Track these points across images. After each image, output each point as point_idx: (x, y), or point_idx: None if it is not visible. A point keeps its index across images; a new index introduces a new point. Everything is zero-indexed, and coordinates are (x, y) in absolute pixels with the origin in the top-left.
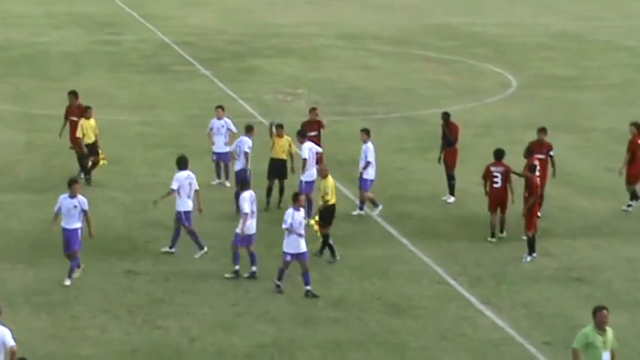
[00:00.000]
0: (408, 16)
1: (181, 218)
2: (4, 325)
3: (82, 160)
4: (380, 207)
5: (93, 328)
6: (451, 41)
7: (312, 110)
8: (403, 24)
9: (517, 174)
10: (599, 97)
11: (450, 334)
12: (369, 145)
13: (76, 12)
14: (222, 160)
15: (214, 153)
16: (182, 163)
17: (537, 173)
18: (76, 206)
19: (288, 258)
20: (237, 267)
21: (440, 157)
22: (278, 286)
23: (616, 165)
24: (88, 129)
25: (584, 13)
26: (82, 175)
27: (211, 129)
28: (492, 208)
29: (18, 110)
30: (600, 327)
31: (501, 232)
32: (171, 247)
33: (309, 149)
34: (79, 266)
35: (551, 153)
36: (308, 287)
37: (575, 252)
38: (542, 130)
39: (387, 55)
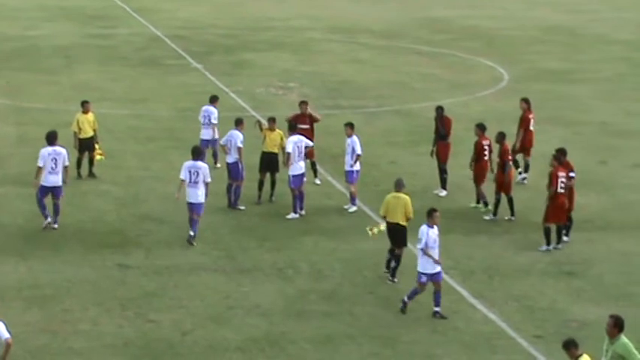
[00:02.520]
0: (400, 9)
1: (40, 191)
2: None
3: None
4: (356, 207)
5: (85, 321)
6: (443, 34)
7: (302, 103)
8: (395, 17)
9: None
10: (591, 91)
11: (441, 328)
12: (355, 138)
13: (68, 5)
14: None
15: (210, 141)
16: (49, 139)
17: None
18: None
19: (424, 279)
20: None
21: (432, 151)
22: (405, 304)
23: (608, 158)
24: (84, 123)
25: (577, 6)
26: None
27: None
28: (479, 182)
29: (9, 104)
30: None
31: (481, 202)
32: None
33: (293, 143)
34: None
35: (572, 174)
36: (437, 308)
37: (567, 246)
38: (561, 153)
39: (378, 48)
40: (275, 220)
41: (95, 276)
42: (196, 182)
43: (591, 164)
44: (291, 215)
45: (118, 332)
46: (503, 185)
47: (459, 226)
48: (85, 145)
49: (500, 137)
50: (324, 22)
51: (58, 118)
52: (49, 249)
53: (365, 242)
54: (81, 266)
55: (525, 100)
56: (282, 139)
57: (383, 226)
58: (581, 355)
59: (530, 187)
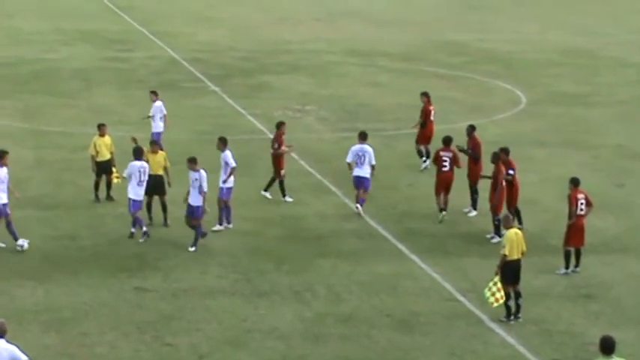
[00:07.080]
0: (417, 32)
1: None
2: (10, 342)
3: None
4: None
5: (102, 345)
6: (460, 58)
7: (281, 125)
8: (412, 40)
9: (486, 177)
10: (608, 114)
11: (459, 351)
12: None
13: (86, 29)
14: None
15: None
16: None
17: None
18: None
19: None
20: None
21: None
22: None
23: (626, 181)
24: (101, 146)
25: (594, 29)
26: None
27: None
28: (439, 191)
29: (28, 127)
30: None
31: (444, 210)
32: None
33: (232, 157)
34: None
35: (511, 171)
36: None
37: (585, 269)
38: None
39: (396, 71)
40: (292, 242)
41: (113, 299)
42: (195, 187)
43: (608, 187)
44: (217, 227)
45: (135, 356)
46: (500, 205)
47: (476, 249)
48: (103, 168)
49: (495, 158)
50: (342, 45)
51: (75, 141)
52: (66, 272)
53: (382, 265)
54: (98, 289)
55: (426, 94)
56: (165, 160)
57: (497, 278)
58: None
59: (547, 210)
